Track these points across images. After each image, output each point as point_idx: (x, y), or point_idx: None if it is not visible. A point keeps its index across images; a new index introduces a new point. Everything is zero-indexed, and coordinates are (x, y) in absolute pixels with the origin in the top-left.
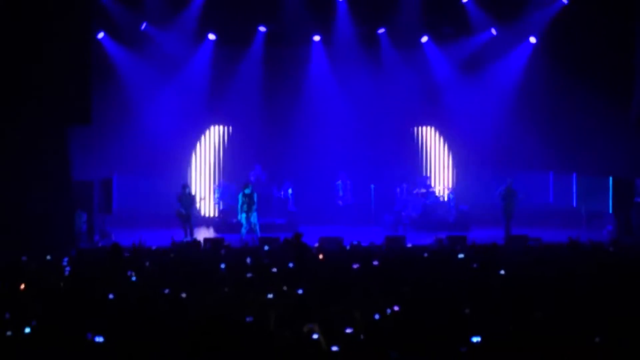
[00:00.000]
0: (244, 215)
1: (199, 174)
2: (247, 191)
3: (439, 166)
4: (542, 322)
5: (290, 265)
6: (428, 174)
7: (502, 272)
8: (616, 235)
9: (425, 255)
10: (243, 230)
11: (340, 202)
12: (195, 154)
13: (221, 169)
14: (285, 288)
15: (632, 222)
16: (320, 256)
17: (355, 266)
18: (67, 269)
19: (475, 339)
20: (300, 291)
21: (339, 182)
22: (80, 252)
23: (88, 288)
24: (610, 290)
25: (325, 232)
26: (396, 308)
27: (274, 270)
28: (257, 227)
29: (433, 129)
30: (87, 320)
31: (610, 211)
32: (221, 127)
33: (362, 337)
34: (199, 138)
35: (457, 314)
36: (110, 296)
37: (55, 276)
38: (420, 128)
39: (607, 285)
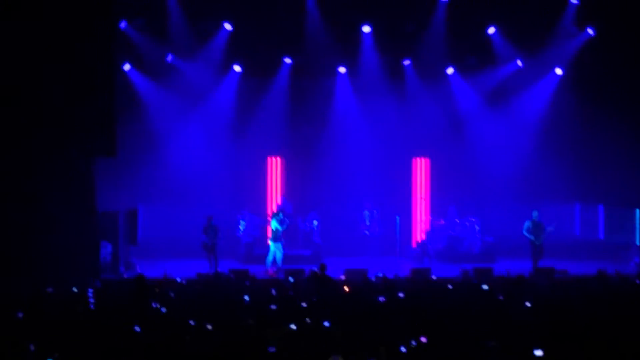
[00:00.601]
0: (277, 243)
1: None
2: (281, 216)
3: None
4: (568, 354)
5: (314, 299)
6: (453, 205)
7: (528, 304)
8: None
9: (450, 287)
10: (270, 259)
11: (367, 232)
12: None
13: (247, 201)
14: (309, 320)
15: None
16: (346, 288)
17: (381, 299)
18: (92, 300)
19: None
20: (326, 324)
21: (366, 211)
22: (105, 283)
23: (113, 320)
24: (638, 323)
25: (351, 263)
26: (423, 339)
27: (300, 302)
28: (281, 257)
29: (457, 160)
30: (113, 352)
31: (638, 243)
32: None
33: None
34: (224, 169)
35: (481, 346)
36: (137, 329)
37: (80, 307)
38: (444, 159)
39: (634, 318)
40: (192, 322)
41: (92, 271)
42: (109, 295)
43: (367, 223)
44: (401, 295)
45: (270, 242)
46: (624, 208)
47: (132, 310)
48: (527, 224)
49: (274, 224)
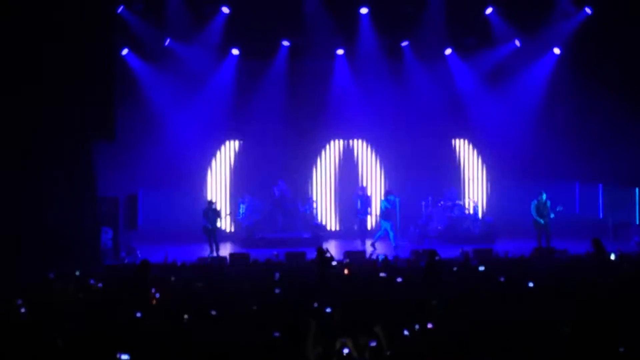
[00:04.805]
0: (387, 223)
1: (222, 189)
2: (391, 198)
3: (465, 179)
4: (568, 333)
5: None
6: (454, 187)
7: (531, 284)
8: None
9: (455, 269)
10: (391, 237)
11: (359, 216)
12: (221, 168)
13: (245, 184)
14: (315, 305)
15: None
16: (346, 271)
17: (382, 275)
18: (94, 285)
19: None
20: (328, 309)
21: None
22: (107, 268)
23: (115, 305)
24: (637, 301)
25: (350, 246)
26: (430, 325)
27: (303, 286)
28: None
29: (464, 141)
30: (115, 338)
31: (637, 222)
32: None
33: (388, 353)
34: (224, 153)
35: (482, 327)
36: (138, 314)
37: (82, 293)
38: (444, 140)
39: (634, 296)
40: (193, 308)
41: (93, 257)
42: (110, 280)
43: (358, 207)
44: (399, 280)
45: (380, 220)
46: (624, 187)
47: (134, 296)
48: (534, 204)
49: (383, 204)
